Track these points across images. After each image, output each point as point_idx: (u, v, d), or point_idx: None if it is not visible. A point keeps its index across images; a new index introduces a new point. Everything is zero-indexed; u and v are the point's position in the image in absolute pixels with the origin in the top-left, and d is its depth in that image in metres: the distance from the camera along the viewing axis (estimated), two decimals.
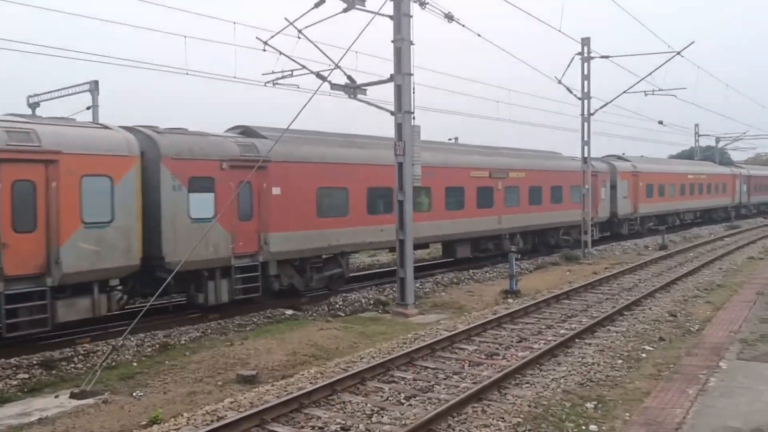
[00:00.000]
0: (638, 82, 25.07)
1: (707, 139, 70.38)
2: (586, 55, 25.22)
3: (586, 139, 25.61)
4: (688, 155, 66.68)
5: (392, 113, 16.08)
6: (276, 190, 15.88)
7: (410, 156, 15.88)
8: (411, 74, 15.87)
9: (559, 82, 25.20)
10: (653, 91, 25.91)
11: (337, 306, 16.78)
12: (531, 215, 25.70)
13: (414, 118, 16.10)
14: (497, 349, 11.88)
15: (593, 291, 18.11)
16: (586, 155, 25.67)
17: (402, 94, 15.81)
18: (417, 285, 19.36)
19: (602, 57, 25.08)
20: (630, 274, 21.48)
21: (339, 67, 17.29)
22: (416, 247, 20.24)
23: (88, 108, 29.39)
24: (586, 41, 25.20)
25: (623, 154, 37.87)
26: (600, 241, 31.69)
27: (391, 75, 16.00)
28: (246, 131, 16.79)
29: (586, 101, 25.46)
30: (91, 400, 9.63)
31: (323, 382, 9.45)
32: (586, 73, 25.35)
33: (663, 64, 24.35)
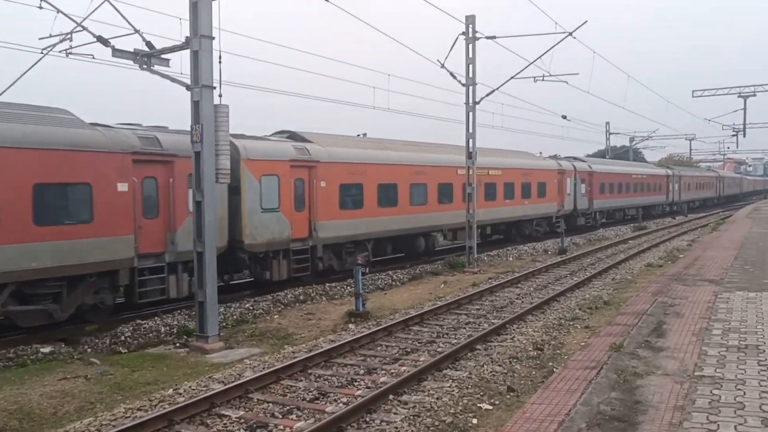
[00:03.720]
0: (528, 66, 22.19)
1: (622, 138, 69.97)
2: (470, 35, 22.13)
3: (471, 130, 22.51)
4: (601, 155, 65.65)
5: (188, 87, 12.37)
6: None
7: (211, 143, 12.22)
8: (212, 38, 12.21)
9: (442, 65, 22.07)
10: (543, 76, 23.11)
11: (123, 338, 12.93)
12: None
13: (221, 96, 12.50)
14: (273, 414, 8.36)
15: (458, 311, 14.92)
16: (471, 149, 22.55)
17: (200, 62, 12.10)
18: (248, 305, 15.77)
19: (488, 38, 22.07)
20: (512, 286, 18.49)
21: (138, 32, 13.56)
22: None
23: None
24: (470, 19, 22.10)
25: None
26: (488, 245, 28.76)
27: (187, 38, 12.30)
28: None
29: (471, 87, 22.37)
30: None
31: None
32: (471, 55, 22.26)
33: (554, 45, 21.58)
